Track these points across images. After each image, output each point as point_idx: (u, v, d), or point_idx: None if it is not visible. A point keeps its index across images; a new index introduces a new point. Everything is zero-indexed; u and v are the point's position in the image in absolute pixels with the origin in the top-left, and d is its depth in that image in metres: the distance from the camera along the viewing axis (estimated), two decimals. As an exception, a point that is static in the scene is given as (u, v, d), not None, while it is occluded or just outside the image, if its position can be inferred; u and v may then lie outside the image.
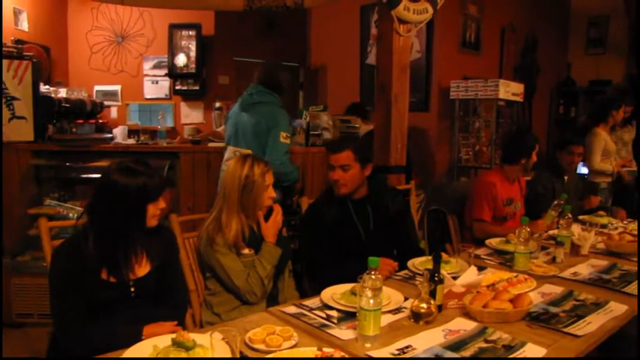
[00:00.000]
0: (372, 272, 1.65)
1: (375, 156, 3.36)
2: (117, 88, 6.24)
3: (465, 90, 5.07)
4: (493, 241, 2.91)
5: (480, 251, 2.82)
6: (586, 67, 6.93)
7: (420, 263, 2.46)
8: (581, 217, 3.77)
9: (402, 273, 2.43)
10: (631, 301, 2.15)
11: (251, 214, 2.33)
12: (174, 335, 1.60)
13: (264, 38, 6.75)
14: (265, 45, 6.79)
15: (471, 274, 2.09)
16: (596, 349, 1.77)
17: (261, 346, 1.66)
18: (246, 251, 2.29)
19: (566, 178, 4.09)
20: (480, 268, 2.49)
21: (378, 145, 3.48)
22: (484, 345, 1.68)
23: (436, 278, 1.92)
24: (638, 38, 4.38)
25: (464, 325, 1.82)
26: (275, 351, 1.62)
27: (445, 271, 2.26)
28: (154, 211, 1.96)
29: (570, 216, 2.79)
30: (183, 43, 6.16)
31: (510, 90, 5.07)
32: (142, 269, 2.00)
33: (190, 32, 6.12)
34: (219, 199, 2.35)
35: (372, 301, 1.65)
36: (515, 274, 2.29)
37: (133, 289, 1.96)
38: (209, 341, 1.49)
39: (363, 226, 2.60)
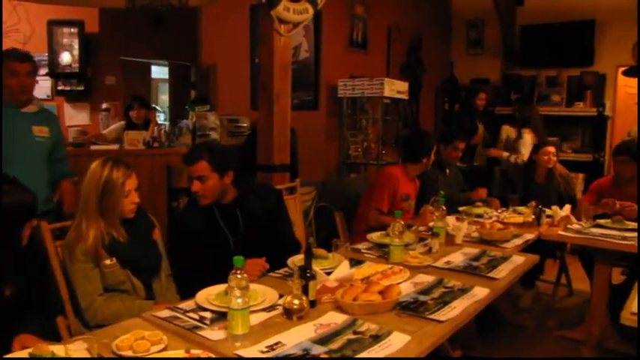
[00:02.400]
0: (238, 272, 1.65)
1: (259, 155, 3.35)
2: (-10, 88, 5.84)
3: (352, 88, 5.19)
4: (374, 235, 2.99)
5: (361, 245, 2.90)
6: (467, 66, 7.32)
7: (299, 260, 2.47)
8: (461, 209, 3.98)
9: (281, 270, 2.44)
10: (494, 284, 2.31)
11: (111, 220, 2.23)
12: (32, 349, 1.53)
13: (152, 36, 6.56)
14: (154, 44, 6.61)
15: (343, 269, 2.14)
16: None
17: (129, 353, 1.61)
18: (107, 262, 2.19)
19: (448, 171, 4.29)
20: (359, 262, 2.57)
21: (261, 144, 3.49)
22: (352, 336, 1.72)
23: (308, 274, 1.95)
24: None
25: (335, 319, 1.86)
26: (142, 356, 1.58)
27: (324, 266, 2.32)
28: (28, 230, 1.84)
29: (444, 208, 2.92)
30: (64, 40, 5.86)
31: (395, 88, 5.26)
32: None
33: (72, 29, 5.83)
34: (79, 207, 2.24)
35: (239, 300, 1.64)
36: (390, 266, 2.38)
37: None
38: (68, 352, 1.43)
39: (232, 231, 2.55)
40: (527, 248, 3.33)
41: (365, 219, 3.44)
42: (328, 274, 2.13)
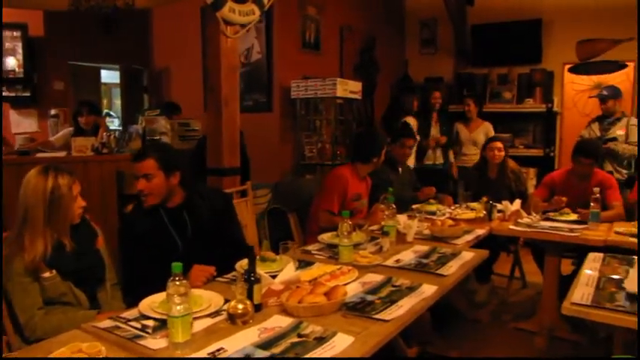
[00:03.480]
0: (177, 278, 1.61)
1: (209, 159, 3.31)
2: None
3: (305, 89, 5.18)
4: (325, 236, 2.98)
5: (312, 246, 2.89)
6: (421, 65, 7.39)
7: (247, 264, 2.45)
8: (414, 206, 4.01)
9: (230, 275, 2.41)
10: (442, 280, 2.32)
11: (61, 228, 2.18)
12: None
13: (102, 40, 6.42)
14: (104, 47, 6.47)
15: (288, 271, 2.12)
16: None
17: (64, 368, 1.56)
18: (46, 274, 2.12)
19: (400, 170, 4.32)
20: (309, 264, 2.55)
21: (210, 147, 3.44)
22: (296, 339, 1.71)
23: (252, 278, 1.92)
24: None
25: (280, 322, 1.84)
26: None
27: (272, 269, 2.29)
28: None
29: (394, 207, 2.93)
30: (7, 44, 5.67)
31: (349, 88, 5.27)
32: None
33: (15, 33, 5.65)
34: (18, 219, 2.16)
35: (178, 307, 1.61)
36: (339, 267, 2.37)
37: None
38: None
39: (180, 234, 2.50)
40: (480, 243, 3.38)
41: (317, 220, 3.43)
42: (274, 277, 2.11)
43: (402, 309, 1.95)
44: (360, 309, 1.94)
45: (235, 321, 1.83)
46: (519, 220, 3.70)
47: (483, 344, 3.64)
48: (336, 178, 3.48)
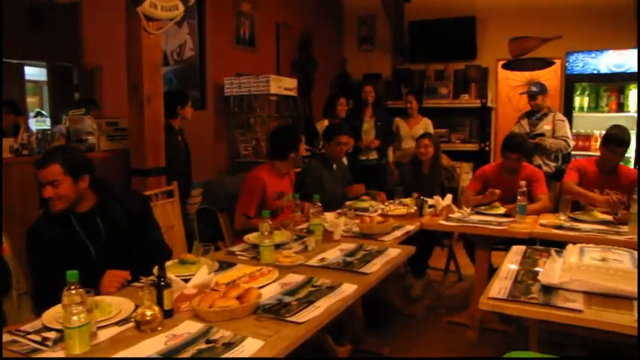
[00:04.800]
0: (72, 287, 1.53)
1: (132, 158, 3.19)
2: None
3: (238, 86, 5.10)
4: (250, 236, 2.92)
5: (236, 247, 2.83)
6: (359, 62, 7.40)
7: (167, 268, 2.36)
8: (348, 203, 3.99)
9: (149, 279, 2.32)
10: (363, 279, 2.30)
11: None
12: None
13: (27, 35, 6.13)
14: (29, 43, 6.18)
15: (202, 274, 2.05)
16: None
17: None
18: None
19: (334, 167, 4.29)
20: (230, 265, 2.49)
21: (133, 147, 3.33)
22: (204, 346, 1.65)
23: (162, 283, 1.85)
24: None
25: (190, 328, 1.77)
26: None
27: (191, 272, 2.22)
28: None
29: (320, 205, 2.90)
30: None
31: (283, 85, 5.21)
32: None
33: None
34: None
35: (75, 317, 1.52)
36: (259, 268, 2.32)
37: None
38: None
39: (92, 240, 2.38)
40: (414, 239, 3.40)
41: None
42: (187, 280, 2.04)
43: (319, 310, 1.92)
44: (275, 311, 1.90)
45: (142, 328, 1.75)
46: (450, 215, 3.73)
47: (417, 339, 3.66)
48: (252, 180, 3.41)
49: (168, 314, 1.85)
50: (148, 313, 1.76)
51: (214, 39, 5.30)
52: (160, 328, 1.76)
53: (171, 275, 1.95)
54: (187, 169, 4.45)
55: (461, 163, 6.02)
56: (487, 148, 6.47)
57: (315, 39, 6.75)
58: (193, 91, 5.27)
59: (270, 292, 2.10)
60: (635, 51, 5.85)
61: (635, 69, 5.83)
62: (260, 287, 2.12)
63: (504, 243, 3.78)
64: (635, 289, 2.06)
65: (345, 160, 5.32)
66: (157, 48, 3.35)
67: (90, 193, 2.37)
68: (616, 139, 3.84)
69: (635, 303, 2.02)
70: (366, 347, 3.41)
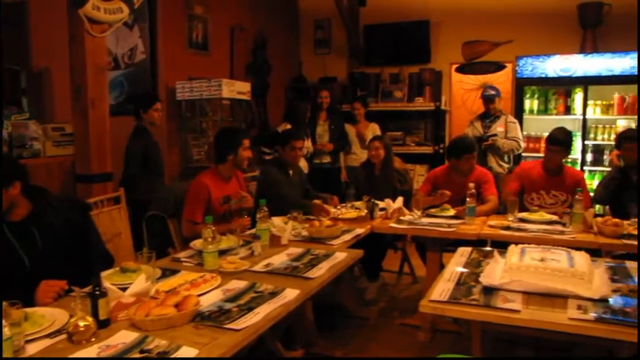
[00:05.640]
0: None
1: (77, 164, 3.12)
2: None
3: (190, 90, 5.04)
4: (197, 243, 2.88)
5: (182, 254, 2.79)
6: (315, 65, 7.40)
7: (107, 276, 2.32)
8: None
9: (87, 288, 2.26)
10: (307, 283, 2.29)
11: None
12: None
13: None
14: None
15: (140, 283, 2.01)
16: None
17: None
18: None
19: (291, 172, 4.27)
20: (174, 272, 2.45)
21: (77, 152, 3.25)
22: (138, 356, 1.62)
23: (97, 292, 1.81)
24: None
25: (125, 338, 1.73)
26: None
27: (132, 280, 2.17)
28: None
29: (266, 210, 2.88)
30: None
31: (236, 89, 5.18)
32: None
33: None
34: None
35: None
36: (201, 275, 2.29)
37: None
38: None
39: (27, 250, 2.28)
40: (367, 242, 3.41)
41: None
42: (125, 289, 2.00)
43: (258, 316, 1.90)
44: (214, 319, 1.87)
45: (75, 340, 1.71)
46: (401, 218, 3.77)
47: (369, 342, 3.67)
48: (196, 186, 3.36)
49: (103, 324, 1.81)
50: (81, 323, 1.71)
51: (166, 42, 5.23)
52: (93, 339, 1.72)
53: (107, 284, 1.90)
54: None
55: (414, 165, 6.11)
56: (441, 151, 6.55)
57: (270, 42, 6.73)
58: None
59: (211, 299, 2.07)
60: (580, 56, 6.03)
61: (579, 74, 6.01)
62: (201, 294, 2.10)
63: (456, 244, 3.83)
64: (570, 288, 2.11)
65: (305, 165, 5.33)
66: (101, 51, 3.29)
67: (23, 201, 2.28)
68: (551, 137, 3.98)
69: (569, 301, 2.07)
70: (317, 351, 3.40)
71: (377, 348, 3.57)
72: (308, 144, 5.36)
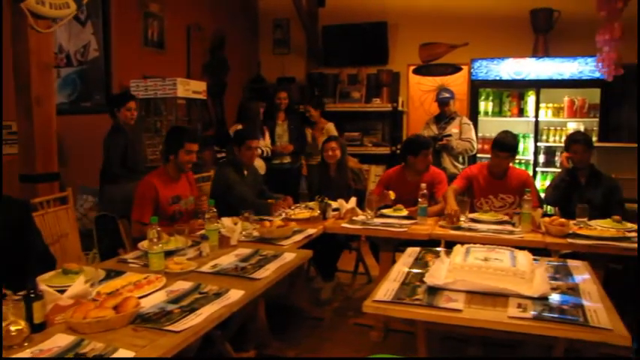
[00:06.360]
0: None
1: (20, 164, 3.03)
2: None
3: (144, 89, 4.96)
4: (145, 243, 2.84)
5: (130, 254, 2.75)
6: (274, 66, 7.38)
7: (49, 278, 2.26)
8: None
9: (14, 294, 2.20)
10: (253, 284, 2.29)
11: None
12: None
13: None
14: None
15: (79, 284, 1.97)
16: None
17: None
18: None
19: (246, 172, 4.24)
20: (119, 273, 2.41)
21: (22, 151, 3.16)
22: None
23: (32, 295, 1.76)
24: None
25: (60, 342, 1.70)
26: None
27: (73, 282, 2.12)
28: None
29: (215, 210, 2.86)
30: None
31: (191, 88, 5.13)
32: None
33: None
34: None
35: None
36: (145, 276, 2.25)
37: None
38: None
39: None
40: (321, 242, 3.41)
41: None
42: (65, 291, 1.95)
43: (200, 317, 1.89)
44: (154, 320, 1.85)
45: (6, 345, 1.66)
46: (354, 218, 3.78)
47: (322, 342, 3.67)
48: (143, 187, 3.33)
49: (38, 328, 1.77)
50: (13, 328, 1.67)
51: (120, 40, 5.14)
52: (26, 344, 1.68)
53: (44, 286, 1.86)
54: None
55: (371, 165, 6.15)
56: (398, 152, 6.60)
57: (228, 42, 6.67)
58: (98, 94, 5.09)
59: (154, 301, 2.04)
60: (532, 60, 6.18)
61: (532, 77, 6.15)
62: (144, 295, 2.07)
63: (409, 244, 3.87)
64: (511, 287, 2.16)
65: (262, 165, 5.31)
66: (47, 47, 3.19)
67: None
68: (498, 143, 4.00)
69: (510, 300, 2.11)
70: (270, 352, 3.39)
71: (330, 348, 3.58)
72: (264, 143, 5.34)
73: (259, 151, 4.74)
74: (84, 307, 1.80)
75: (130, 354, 1.60)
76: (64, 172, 4.40)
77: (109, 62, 5.13)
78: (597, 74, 5.19)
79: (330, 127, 5.76)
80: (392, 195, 3.95)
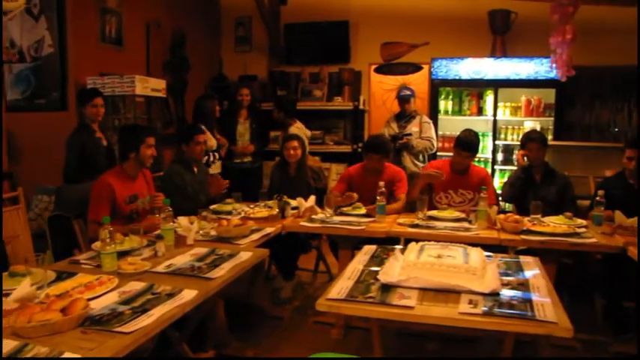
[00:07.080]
0: None
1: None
2: None
3: (102, 87, 4.87)
4: (98, 244, 2.79)
5: (83, 255, 2.70)
6: (236, 63, 7.33)
7: None
8: (211, 207, 3.93)
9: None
10: (207, 284, 2.27)
11: None
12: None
13: None
14: None
15: (24, 287, 1.93)
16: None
17: None
18: None
19: (195, 169, 4.21)
20: (71, 274, 2.37)
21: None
22: (15, 365, 1.55)
23: (-26, 299, 1.72)
24: None
25: (3, 347, 1.65)
26: None
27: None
28: None
29: (171, 209, 2.83)
30: None
31: (150, 86, 5.06)
32: None
33: None
34: None
35: None
36: (97, 277, 2.22)
37: None
38: None
39: None
40: (281, 241, 3.40)
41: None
42: (8, 295, 1.91)
43: (152, 318, 1.87)
44: (104, 322, 1.82)
45: (-56, 351, 1.61)
46: (313, 216, 3.79)
47: (282, 341, 3.67)
48: (99, 186, 3.27)
49: (-19, 333, 1.72)
50: (-47, 333, 1.62)
51: (76, 36, 5.01)
52: (-33, 349, 1.63)
53: (-13, 290, 1.81)
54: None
55: (331, 164, 6.17)
56: (359, 150, 6.65)
57: (189, 39, 6.59)
58: (53, 91, 4.97)
59: (105, 302, 2.02)
60: (491, 60, 6.29)
61: (490, 76, 6.27)
62: (95, 297, 2.04)
63: (369, 243, 3.90)
64: (462, 283, 2.20)
65: (218, 164, 5.28)
66: (-5, 43, 3.11)
67: None
68: (461, 142, 4.09)
69: (462, 296, 2.15)
70: (229, 351, 3.38)
71: (289, 347, 3.58)
72: (217, 142, 5.28)
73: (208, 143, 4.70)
74: (29, 310, 1.76)
75: (76, 357, 1.57)
76: (17, 171, 4.30)
77: (64, 59, 5.00)
78: (552, 75, 5.31)
79: (300, 127, 5.63)
80: (355, 196, 3.97)
